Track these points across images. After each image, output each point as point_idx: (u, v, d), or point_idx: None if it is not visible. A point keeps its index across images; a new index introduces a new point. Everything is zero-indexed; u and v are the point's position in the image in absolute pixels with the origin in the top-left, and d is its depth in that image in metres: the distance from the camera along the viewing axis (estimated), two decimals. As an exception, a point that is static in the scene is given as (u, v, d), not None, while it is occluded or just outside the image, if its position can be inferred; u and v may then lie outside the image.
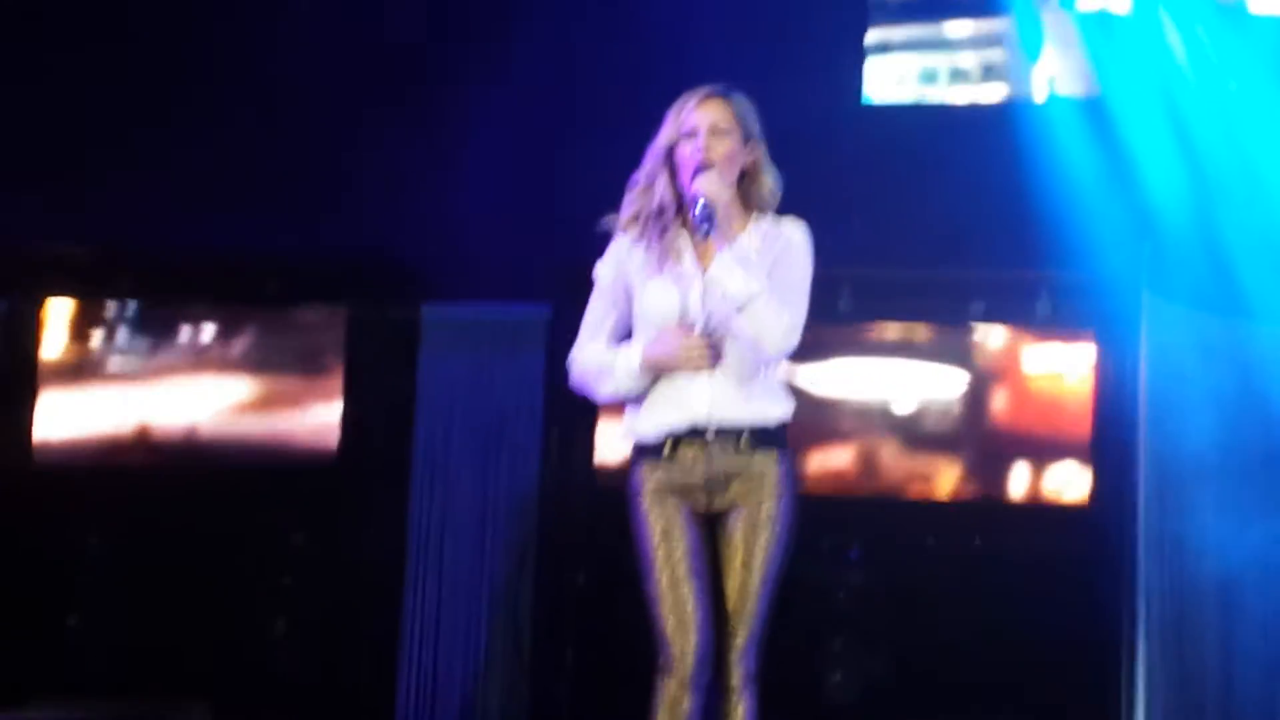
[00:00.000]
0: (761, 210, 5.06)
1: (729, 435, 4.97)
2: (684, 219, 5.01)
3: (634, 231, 5.05)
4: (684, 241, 5.02)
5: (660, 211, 5.02)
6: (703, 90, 5.04)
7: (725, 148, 4.99)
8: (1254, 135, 8.53)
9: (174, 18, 8.98)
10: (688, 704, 4.88)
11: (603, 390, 5.10)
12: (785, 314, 4.90)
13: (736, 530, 4.98)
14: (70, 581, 8.64)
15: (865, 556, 8.37)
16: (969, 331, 8.51)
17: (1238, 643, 8.19)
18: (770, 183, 5.08)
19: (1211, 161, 8.51)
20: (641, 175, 5.06)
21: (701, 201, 4.88)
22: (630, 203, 5.07)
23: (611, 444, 8.41)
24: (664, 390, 5.00)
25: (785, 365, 5.10)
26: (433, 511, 8.61)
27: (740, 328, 4.90)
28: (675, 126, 5.01)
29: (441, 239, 8.67)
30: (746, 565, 4.97)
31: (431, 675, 8.53)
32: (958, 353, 8.58)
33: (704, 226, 4.88)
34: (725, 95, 5.04)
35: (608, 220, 5.09)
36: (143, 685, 8.20)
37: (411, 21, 9.08)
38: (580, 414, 8.51)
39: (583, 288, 8.29)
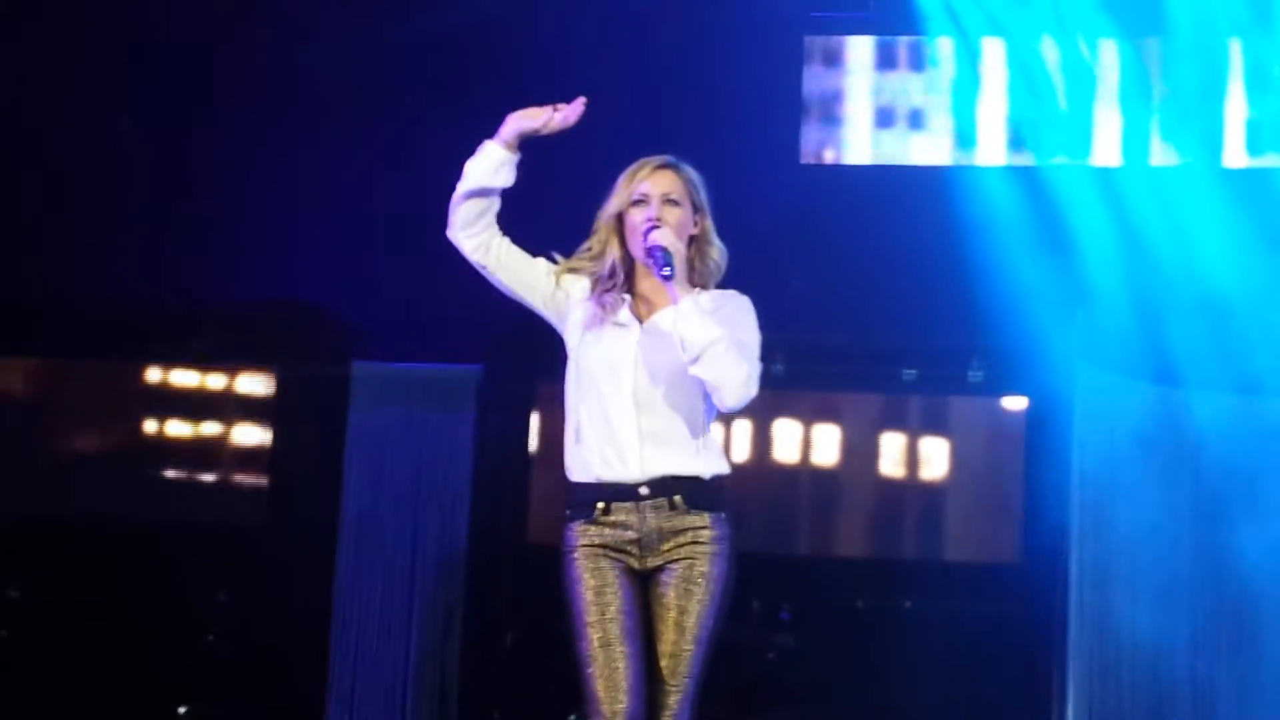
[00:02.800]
0: (705, 283, 5.07)
1: (663, 494, 4.94)
2: (630, 283, 5.00)
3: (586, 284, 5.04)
4: (622, 301, 5.01)
5: (610, 274, 5.01)
6: (654, 160, 5.05)
7: (675, 217, 4.99)
8: (1186, 205, 8.58)
9: (118, 68, 8.95)
10: (618, 764, 4.83)
11: (460, 189, 4.92)
12: (744, 364, 4.88)
13: (669, 589, 4.94)
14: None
15: (796, 617, 8.34)
16: (903, 396, 8.51)
17: (1168, 705, 8.20)
18: (716, 254, 5.09)
19: (1143, 229, 8.56)
20: (592, 241, 5.05)
21: (662, 247, 4.88)
22: (579, 261, 5.06)
23: (541, 501, 8.38)
24: (595, 445, 4.96)
25: (719, 429, 5.07)
26: (360, 569, 8.55)
27: (701, 374, 4.88)
28: (626, 194, 5.01)
29: (373, 297, 8.64)
30: (679, 625, 4.92)
31: (357, 734, 8.46)
32: (892, 417, 8.59)
33: (665, 271, 4.87)
34: (676, 166, 5.05)
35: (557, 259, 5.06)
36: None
37: (341, 81, 9.07)
38: (510, 472, 8.50)
39: (514, 348, 8.36)
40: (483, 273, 5.01)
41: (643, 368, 4.96)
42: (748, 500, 8.46)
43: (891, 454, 8.57)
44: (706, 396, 5.00)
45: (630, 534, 4.94)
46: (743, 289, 5.10)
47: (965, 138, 8.87)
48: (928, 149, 8.91)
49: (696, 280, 5.08)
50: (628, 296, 5.02)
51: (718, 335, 4.86)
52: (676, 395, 4.96)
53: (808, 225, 8.55)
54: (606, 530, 4.94)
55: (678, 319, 4.89)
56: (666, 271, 4.87)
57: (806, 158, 9.00)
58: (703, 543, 4.95)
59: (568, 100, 4.99)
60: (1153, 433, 8.35)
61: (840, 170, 8.97)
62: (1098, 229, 8.58)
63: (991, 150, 8.88)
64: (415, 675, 8.48)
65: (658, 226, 4.94)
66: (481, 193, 4.95)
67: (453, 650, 8.48)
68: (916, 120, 8.94)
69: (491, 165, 4.94)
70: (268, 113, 8.87)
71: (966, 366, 8.33)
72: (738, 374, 4.87)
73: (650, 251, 4.89)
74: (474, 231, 4.97)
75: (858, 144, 8.98)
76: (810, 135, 8.99)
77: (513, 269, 5.01)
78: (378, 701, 8.46)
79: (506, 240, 5.00)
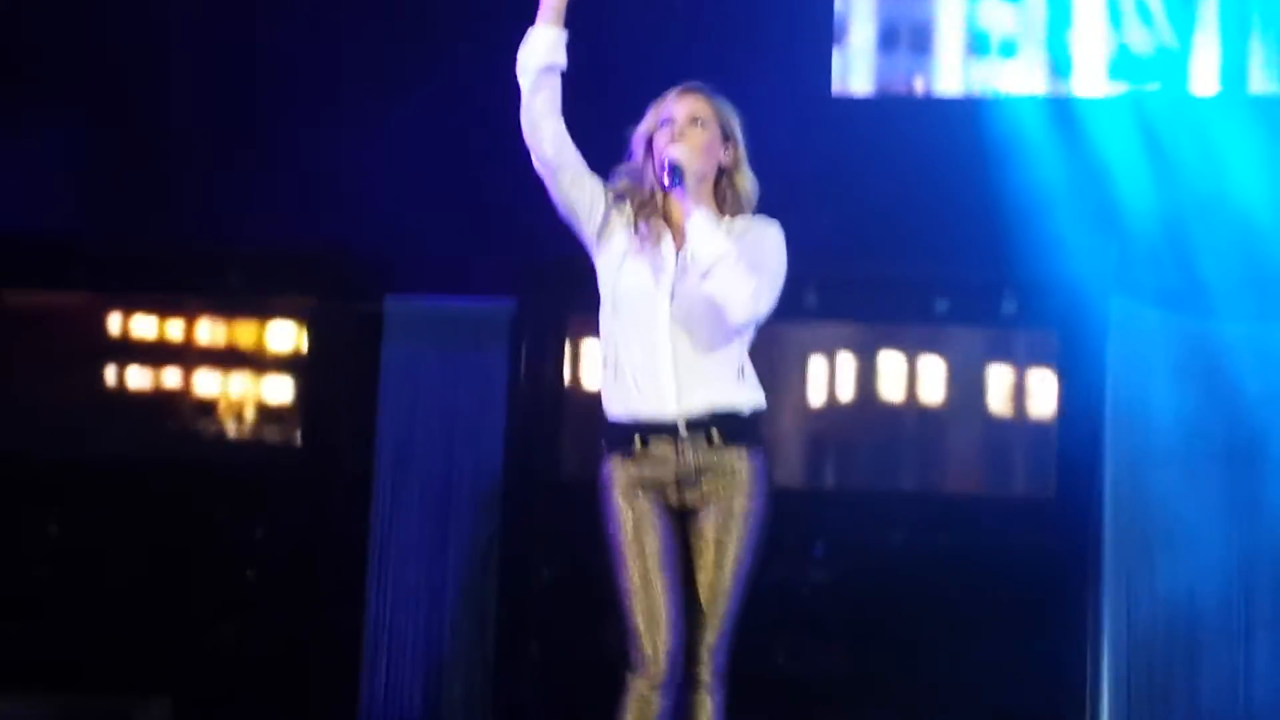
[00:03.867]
0: (736, 213, 5.07)
1: (700, 429, 4.94)
2: (666, 213, 5.00)
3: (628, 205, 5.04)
4: (664, 229, 5.01)
5: (648, 197, 5.02)
6: (685, 85, 5.07)
7: (700, 138, 5.01)
8: (1220, 136, 8.55)
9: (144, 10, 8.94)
10: (657, 703, 4.85)
11: (526, 83, 4.95)
12: (753, 280, 4.88)
13: (709, 526, 4.95)
14: (29, 573, 8.58)
15: (829, 553, 8.34)
16: (935, 329, 8.49)
17: (1203, 638, 8.21)
18: (748, 186, 5.09)
19: (1179, 163, 8.53)
20: (627, 166, 5.06)
21: (668, 160, 4.89)
22: (622, 183, 5.06)
23: (576, 437, 8.38)
24: (631, 377, 4.96)
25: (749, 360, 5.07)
26: (395, 505, 8.57)
27: (707, 290, 4.88)
28: (655, 116, 5.05)
29: (406, 233, 8.65)
30: (718, 563, 4.94)
31: (395, 670, 8.48)
32: (924, 350, 8.57)
33: (669, 181, 4.88)
34: (706, 92, 5.08)
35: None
36: (104, 680, 8.13)
37: (373, 16, 9.06)
38: (545, 407, 8.49)
39: (547, 283, 8.35)
40: (546, 175, 4.99)
41: (680, 297, 4.97)
42: (777, 434, 8.45)
43: (922, 388, 8.55)
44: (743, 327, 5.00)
45: (668, 470, 4.96)
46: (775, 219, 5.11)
47: (983, 58, 8.84)
48: (952, 77, 8.89)
49: (727, 210, 5.08)
50: (666, 227, 5.03)
51: (727, 249, 4.86)
52: (716, 326, 4.97)
53: (839, 158, 8.53)
54: (645, 465, 4.96)
55: (689, 232, 4.90)
56: (667, 181, 4.88)
57: (838, 88, 8.97)
58: (740, 478, 4.97)
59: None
60: (1187, 363, 8.33)
61: (871, 103, 8.94)
62: (1131, 159, 8.55)
63: (1020, 78, 8.84)
64: (451, 609, 8.51)
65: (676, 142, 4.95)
66: (548, 71, 4.93)
67: (490, 584, 8.50)
68: (920, 41, 8.92)
69: (547, 45, 4.93)
70: (296, 47, 8.86)
71: (1000, 299, 8.31)
72: (744, 289, 4.86)
73: (661, 165, 4.90)
74: (552, 121, 4.94)
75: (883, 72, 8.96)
76: (842, 66, 8.96)
77: (577, 172, 5.00)
78: (414, 634, 8.50)
79: (570, 139, 4.99)
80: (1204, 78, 8.70)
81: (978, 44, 8.91)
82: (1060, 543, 8.13)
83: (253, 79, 8.89)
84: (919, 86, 8.96)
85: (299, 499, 8.59)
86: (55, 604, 8.53)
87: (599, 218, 5.03)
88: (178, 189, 8.70)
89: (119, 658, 8.36)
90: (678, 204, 4.97)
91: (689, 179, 4.92)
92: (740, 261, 4.87)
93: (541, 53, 4.95)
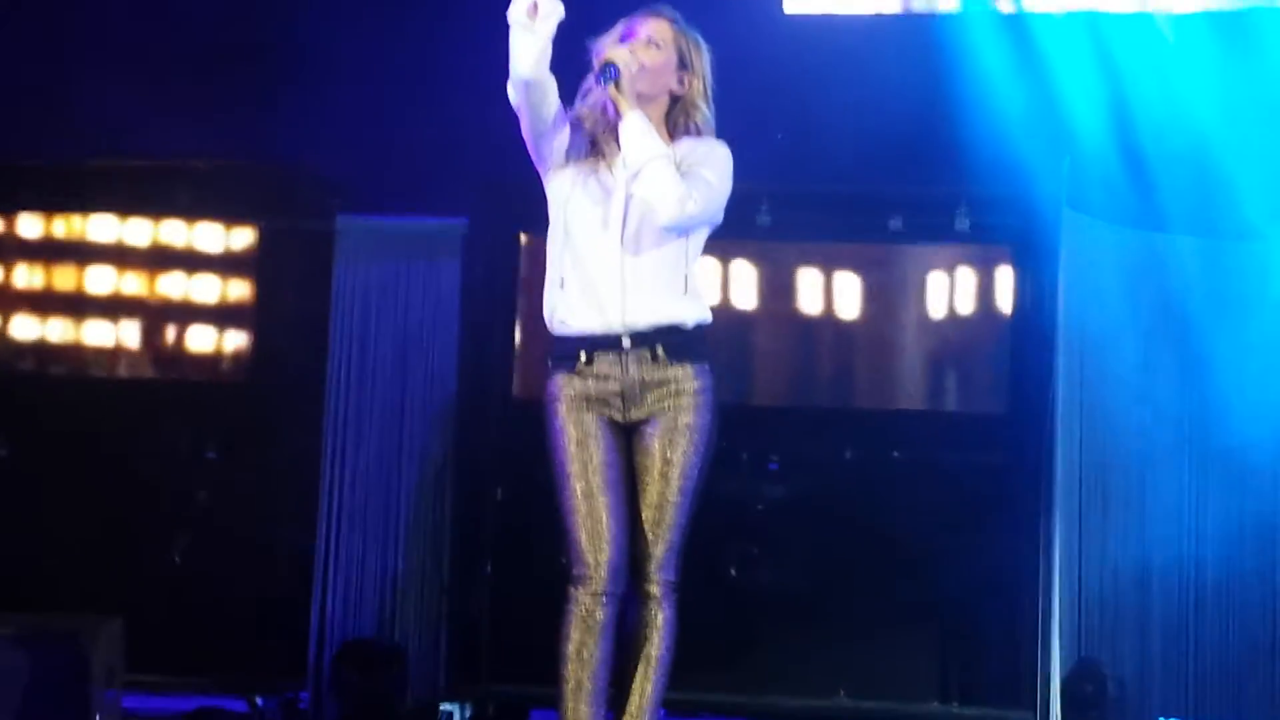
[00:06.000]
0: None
1: (644, 344, 4.94)
2: (619, 129, 4.98)
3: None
4: (616, 149, 4.99)
5: (600, 114, 5.01)
6: (654, 7, 5.10)
7: (651, 58, 5.00)
8: (1172, 50, 8.53)
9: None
10: (601, 615, 4.87)
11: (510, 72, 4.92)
12: (684, 184, 4.87)
13: (654, 441, 4.96)
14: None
15: (784, 468, 8.36)
16: (889, 246, 8.49)
17: (1152, 551, 8.26)
18: (701, 119, 5.09)
19: (1129, 74, 8.51)
20: (585, 84, 5.05)
21: (611, 61, 4.88)
22: (579, 105, 5.05)
23: (530, 354, 8.38)
24: (577, 292, 4.96)
25: (701, 276, 5.07)
26: (348, 424, 8.55)
27: (637, 191, 4.89)
28: (618, 32, 5.02)
29: (358, 151, 8.60)
30: (664, 476, 4.95)
31: (347, 588, 8.49)
32: (876, 267, 8.57)
33: (601, 76, 4.87)
34: (672, 17, 5.09)
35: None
36: (53, 601, 8.11)
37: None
38: (497, 325, 8.49)
39: (499, 201, 8.32)
40: (523, 113, 4.96)
41: (630, 214, 4.96)
42: (729, 351, 8.45)
43: (876, 305, 8.56)
44: (691, 242, 5.01)
45: (613, 385, 4.96)
46: (728, 141, 5.11)
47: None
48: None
49: (678, 137, 5.07)
50: (618, 147, 5.01)
51: (657, 151, 4.86)
52: (662, 240, 4.97)
53: (793, 77, 8.51)
54: (590, 381, 4.96)
55: (620, 133, 4.90)
56: (605, 77, 4.87)
57: (791, 7, 8.92)
58: (686, 394, 4.97)
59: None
60: (1139, 278, 8.35)
61: (823, 21, 8.90)
62: (1084, 73, 8.54)
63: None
64: (406, 528, 8.51)
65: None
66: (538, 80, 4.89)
67: (443, 501, 8.50)
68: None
69: (532, 51, 4.85)
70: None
71: (953, 215, 8.30)
72: (673, 191, 4.87)
73: (599, 73, 4.90)
74: (553, 102, 4.95)
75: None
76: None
77: (551, 106, 4.98)
78: (368, 553, 8.49)
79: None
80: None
81: (930, -40, 8.88)
82: (1013, 457, 8.17)
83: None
84: (871, 4, 8.92)
85: (251, 418, 8.57)
86: (4, 525, 8.50)
87: (555, 141, 5.01)
88: (127, 105, 8.62)
89: (69, 579, 8.34)
90: None
91: (624, 83, 4.90)
92: (671, 163, 4.87)
93: (513, 60, 4.90)
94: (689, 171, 4.91)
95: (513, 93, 4.93)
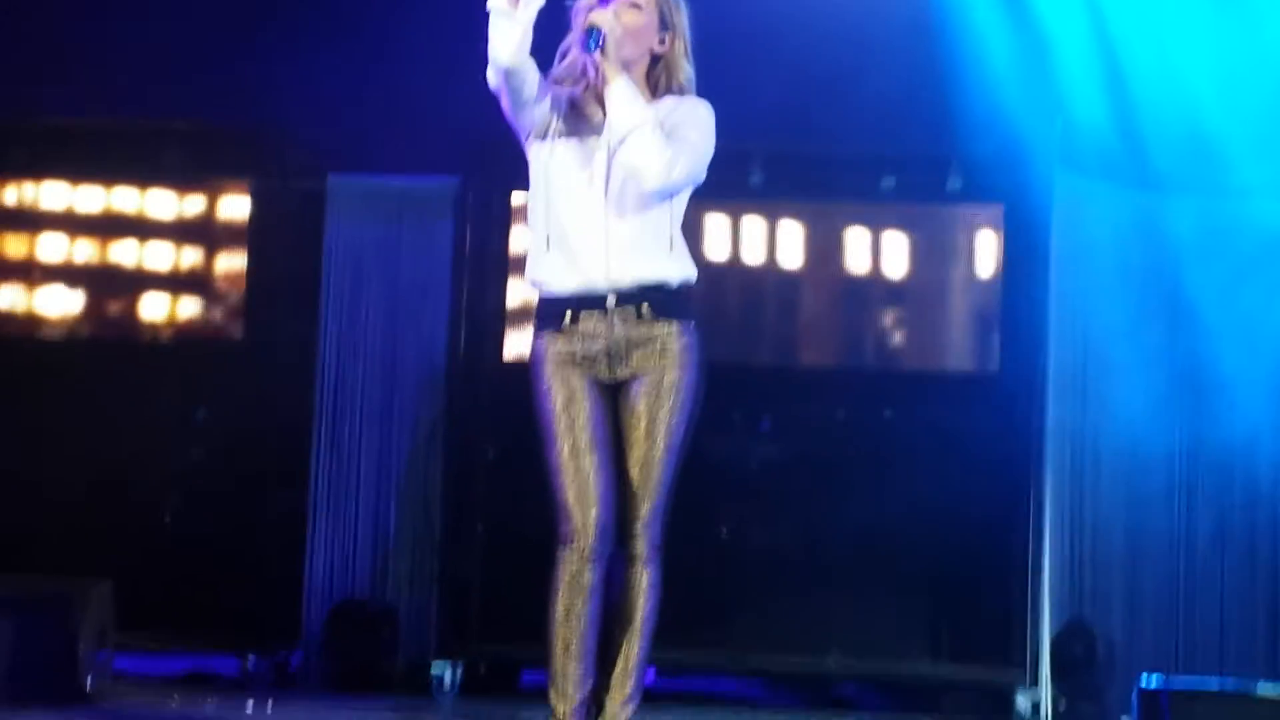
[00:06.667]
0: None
1: (629, 302, 4.94)
2: (599, 89, 4.97)
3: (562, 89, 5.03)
4: (597, 109, 4.99)
5: (580, 75, 5.01)
6: None
7: (633, 19, 5.00)
8: (1166, 10, 8.51)
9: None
10: (589, 575, 4.88)
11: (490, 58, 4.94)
12: (670, 149, 4.86)
13: (639, 400, 4.97)
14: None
15: (776, 428, 8.36)
16: (881, 205, 8.48)
17: (1142, 512, 8.26)
18: (683, 78, 5.08)
19: (1122, 35, 8.49)
20: (564, 44, 5.06)
21: (594, 25, 4.86)
22: (558, 68, 5.06)
23: (521, 314, 8.37)
24: (561, 252, 4.96)
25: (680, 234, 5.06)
26: (339, 384, 8.54)
27: (622, 157, 4.88)
28: None
29: (349, 109, 8.57)
30: (649, 435, 4.96)
31: (340, 549, 8.49)
32: (870, 226, 8.56)
33: (586, 43, 4.86)
34: None
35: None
36: (44, 563, 8.11)
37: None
38: (489, 285, 8.47)
39: (490, 160, 8.30)
40: (503, 94, 4.97)
41: (613, 174, 4.96)
42: (720, 310, 8.45)
43: (864, 261, 8.54)
44: (675, 201, 5.00)
45: (599, 344, 4.96)
46: (713, 100, 5.10)
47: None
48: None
49: (659, 95, 5.07)
50: (599, 107, 5.01)
51: (644, 117, 4.85)
52: (646, 200, 4.96)
53: (783, 33, 8.48)
54: (575, 340, 4.96)
55: (606, 99, 4.89)
56: (584, 43, 4.86)
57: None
58: (671, 351, 4.97)
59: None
60: (1132, 238, 8.35)
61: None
62: (1077, 34, 8.52)
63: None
64: (397, 489, 8.51)
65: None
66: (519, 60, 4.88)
67: (435, 464, 8.50)
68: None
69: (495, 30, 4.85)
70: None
71: (945, 174, 8.29)
72: (659, 157, 4.86)
73: (583, 29, 4.88)
74: (533, 82, 4.95)
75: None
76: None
77: (531, 86, 4.98)
78: (360, 513, 8.49)
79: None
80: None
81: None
82: (1005, 417, 8.16)
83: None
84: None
85: (242, 380, 8.55)
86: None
87: (543, 111, 5.00)
88: (118, 64, 8.60)
89: (59, 541, 8.33)
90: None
91: (609, 47, 4.88)
92: (657, 130, 4.86)
93: (493, 43, 4.88)
94: (672, 132, 4.90)
95: (492, 77, 4.92)
